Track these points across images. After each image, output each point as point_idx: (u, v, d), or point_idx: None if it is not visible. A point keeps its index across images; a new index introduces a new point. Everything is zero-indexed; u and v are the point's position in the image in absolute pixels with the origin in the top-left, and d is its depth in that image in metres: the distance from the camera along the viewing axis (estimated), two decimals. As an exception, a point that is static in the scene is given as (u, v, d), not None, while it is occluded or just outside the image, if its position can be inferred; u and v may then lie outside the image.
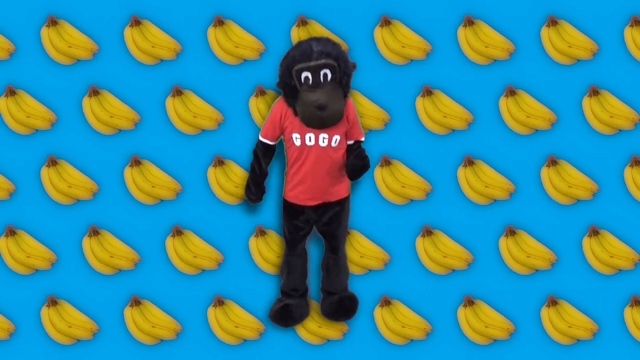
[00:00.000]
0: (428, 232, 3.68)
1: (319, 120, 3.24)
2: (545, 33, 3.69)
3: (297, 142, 3.36)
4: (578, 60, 3.70)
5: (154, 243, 3.68)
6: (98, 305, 3.65)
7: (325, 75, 3.24)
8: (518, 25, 3.70)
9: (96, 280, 3.67)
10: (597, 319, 3.66)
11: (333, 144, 3.35)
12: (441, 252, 3.68)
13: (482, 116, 3.70)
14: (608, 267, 3.68)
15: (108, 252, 3.65)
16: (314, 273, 3.70)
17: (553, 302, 3.65)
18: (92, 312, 3.65)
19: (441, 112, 3.68)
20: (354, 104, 3.45)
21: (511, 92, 3.68)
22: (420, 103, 3.69)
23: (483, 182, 3.68)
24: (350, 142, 3.43)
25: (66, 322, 3.62)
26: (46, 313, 3.63)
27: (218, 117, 3.68)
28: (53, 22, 3.65)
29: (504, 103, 3.69)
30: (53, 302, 3.63)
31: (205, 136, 3.68)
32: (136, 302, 3.64)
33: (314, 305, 3.69)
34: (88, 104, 3.66)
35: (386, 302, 3.66)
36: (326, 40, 3.31)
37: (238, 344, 3.65)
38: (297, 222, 3.48)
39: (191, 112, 3.67)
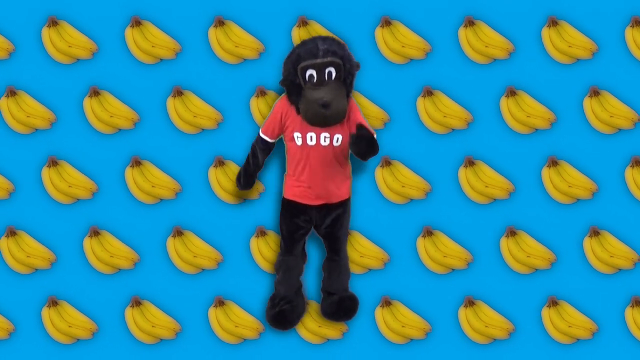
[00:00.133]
0: (428, 232, 3.68)
1: (323, 118, 3.22)
2: (546, 33, 3.69)
3: (299, 142, 3.35)
4: (578, 60, 3.70)
5: (154, 243, 3.67)
6: (98, 305, 3.65)
7: (329, 73, 3.23)
8: (518, 26, 3.70)
9: (96, 280, 3.66)
10: (597, 319, 3.66)
11: (335, 144, 3.34)
12: (441, 252, 3.68)
13: (482, 116, 3.70)
14: (608, 267, 3.68)
15: (108, 252, 3.65)
16: (314, 273, 3.70)
17: (553, 302, 3.66)
18: (92, 312, 3.65)
19: (441, 112, 3.68)
20: (358, 105, 3.45)
21: (511, 92, 3.68)
22: (421, 103, 3.69)
23: (483, 182, 3.68)
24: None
25: (66, 321, 3.62)
26: (46, 313, 3.63)
27: (218, 117, 3.67)
28: (53, 23, 3.65)
29: (504, 103, 3.69)
30: (53, 303, 3.63)
31: (205, 136, 3.68)
32: (136, 302, 3.64)
33: (314, 306, 3.69)
34: (88, 103, 3.66)
35: (386, 303, 3.66)
36: (332, 40, 3.31)
37: (238, 344, 3.65)
38: (297, 221, 3.47)
39: (191, 112, 3.66)
